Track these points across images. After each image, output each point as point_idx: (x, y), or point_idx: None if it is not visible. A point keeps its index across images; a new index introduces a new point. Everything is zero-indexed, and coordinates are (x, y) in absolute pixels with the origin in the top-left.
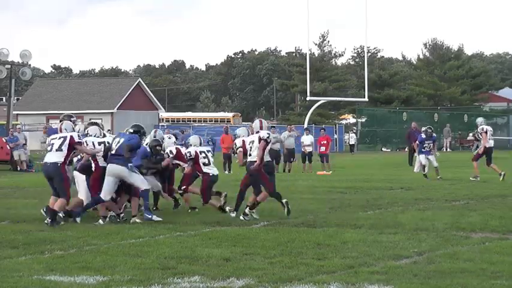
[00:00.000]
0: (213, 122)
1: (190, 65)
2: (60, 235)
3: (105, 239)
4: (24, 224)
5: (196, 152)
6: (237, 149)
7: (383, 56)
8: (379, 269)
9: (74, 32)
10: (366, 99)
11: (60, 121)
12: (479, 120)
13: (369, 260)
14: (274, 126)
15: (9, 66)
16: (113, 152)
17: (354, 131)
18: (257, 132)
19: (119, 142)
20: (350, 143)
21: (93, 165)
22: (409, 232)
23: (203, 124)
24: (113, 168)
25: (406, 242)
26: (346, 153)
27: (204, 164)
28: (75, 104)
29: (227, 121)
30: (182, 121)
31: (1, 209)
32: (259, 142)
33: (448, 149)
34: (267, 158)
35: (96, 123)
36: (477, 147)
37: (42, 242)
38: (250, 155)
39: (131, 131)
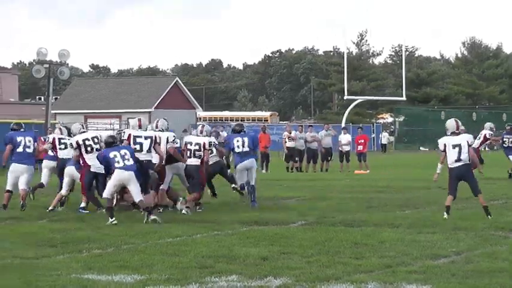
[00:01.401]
0: (250, 121)
1: (228, 64)
2: (98, 234)
3: (143, 238)
4: (62, 222)
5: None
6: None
7: (421, 55)
8: (417, 269)
9: (113, 31)
10: (404, 98)
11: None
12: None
13: (406, 259)
14: (311, 125)
15: (47, 65)
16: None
17: (389, 130)
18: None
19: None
20: (382, 143)
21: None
22: (448, 231)
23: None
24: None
25: (444, 241)
26: (384, 153)
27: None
28: (112, 103)
29: (264, 120)
30: (219, 120)
31: (40, 208)
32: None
33: (487, 148)
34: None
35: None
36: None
37: (80, 241)
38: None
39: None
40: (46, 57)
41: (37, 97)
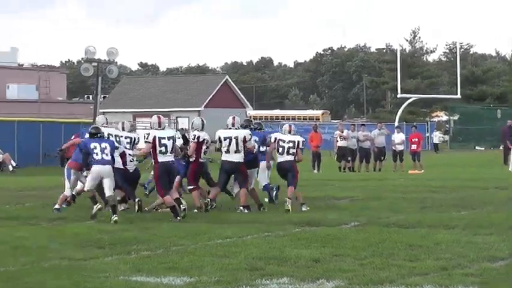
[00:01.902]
0: (302, 119)
1: (278, 62)
2: (147, 235)
3: (192, 239)
4: (110, 223)
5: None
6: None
7: (476, 52)
8: (474, 271)
9: (162, 29)
10: (459, 96)
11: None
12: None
13: (463, 261)
14: (364, 124)
15: (96, 64)
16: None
17: (443, 129)
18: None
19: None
20: (434, 142)
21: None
22: (505, 233)
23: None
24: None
25: (501, 243)
26: (439, 152)
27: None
28: (161, 101)
29: (316, 119)
30: (270, 119)
31: (88, 208)
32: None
33: None
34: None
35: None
36: None
37: (128, 242)
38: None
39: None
40: (94, 56)
41: (85, 96)
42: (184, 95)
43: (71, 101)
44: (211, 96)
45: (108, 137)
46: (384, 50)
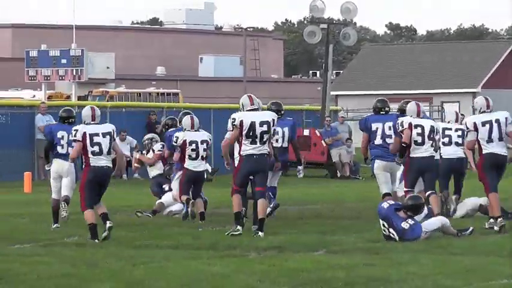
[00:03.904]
0: None
1: None
2: (398, 272)
3: (464, 279)
4: (345, 254)
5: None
6: None
7: None
8: None
9: None
10: None
11: None
12: None
13: None
14: None
15: (325, 26)
16: None
17: None
18: None
19: None
20: None
21: None
22: None
23: None
24: None
25: None
26: None
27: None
28: (419, 80)
29: None
30: None
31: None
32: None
33: None
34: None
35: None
36: None
37: (372, 282)
38: None
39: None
40: (323, 14)
41: (310, 72)
42: (452, 71)
43: (289, 79)
44: (492, 71)
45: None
46: None
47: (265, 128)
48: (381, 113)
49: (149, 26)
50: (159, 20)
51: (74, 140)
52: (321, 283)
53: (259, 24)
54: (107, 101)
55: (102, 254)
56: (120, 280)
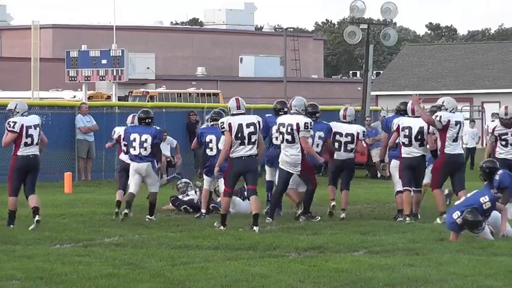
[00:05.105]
0: None
1: None
2: (438, 272)
3: (505, 279)
4: (385, 255)
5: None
6: None
7: None
8: None
9: None
10: None
11: None
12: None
13: None
14: None
15: (365, 26)
16: None
17: None
18: None
19: None
20: None
21: None
22: None
23: None
24: None
25: None
26: None
27: None
28: (460, 79)
29: None
30: None
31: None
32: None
33: None
34: None
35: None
36: None
37: (413, 282)
38: None
39: None
40: (363, 14)
41: (350, 72)
42: (495, 71)
43: (329, 79)
44: None
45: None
46: None
47: (252, 129)
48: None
49: (189, 26)
50: (199, 20)
51: (11, 131)
52: (361, 283)
53: (300, 25)
54: (148, 101)
55: (142, 254)
56: (161, 280)
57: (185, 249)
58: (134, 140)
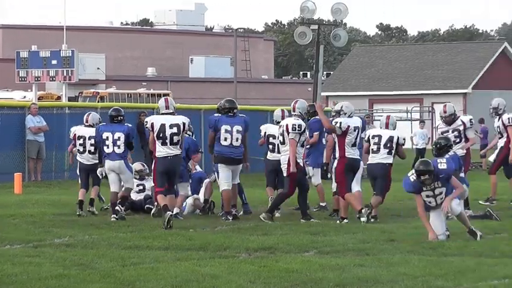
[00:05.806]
0: None
1: None
2: (389, 273)
3: (454, 280)
4: (335, 255)
5: None
6: None
7: None
8: None
9: None
10: None
11: None
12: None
13: None
14: None
15: (315, 27)
16: None
17: None
18: None
19: None
20: None
21: None
22: None
23: None
24: None
25: None
26: None
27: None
28: (410, 80)
29: None
30: None
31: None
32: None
33: None
34: None
35: None
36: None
37: (363, 283)
38: None
39: None
40: (313, 15)
41: (300, 73)
42: (444, 72)
43: (280, 80)
44: (482, 72)
45: None
46: None
47: (175, 130)
48: None
49: (140, 27)
50: (150, 21)
51: None
52: (311, 284)
53: (250, 25)
54: (98, 101)
55: (93, 255)
56: (111, 281)
57: (135, 250)
58: (107, 138)
